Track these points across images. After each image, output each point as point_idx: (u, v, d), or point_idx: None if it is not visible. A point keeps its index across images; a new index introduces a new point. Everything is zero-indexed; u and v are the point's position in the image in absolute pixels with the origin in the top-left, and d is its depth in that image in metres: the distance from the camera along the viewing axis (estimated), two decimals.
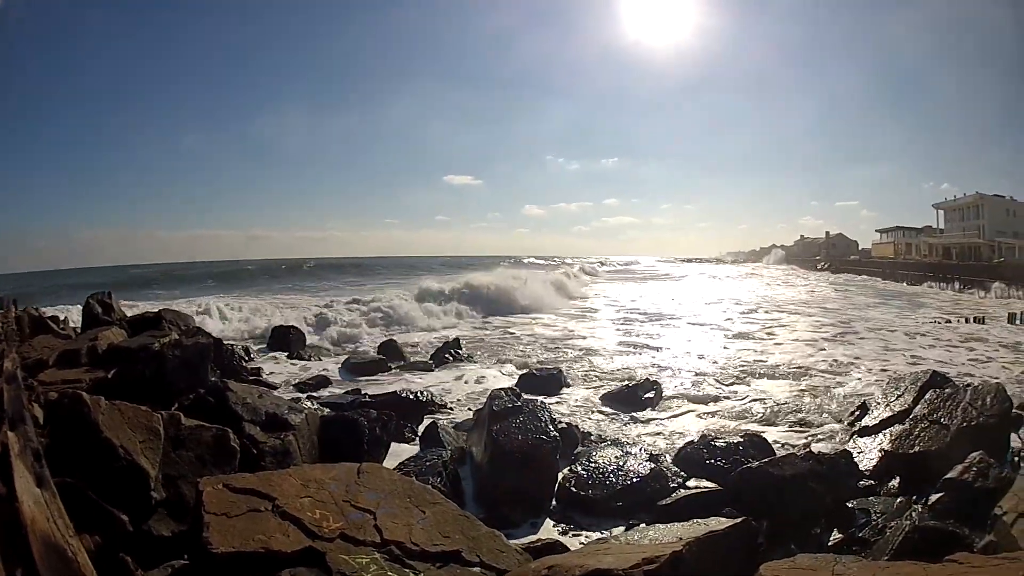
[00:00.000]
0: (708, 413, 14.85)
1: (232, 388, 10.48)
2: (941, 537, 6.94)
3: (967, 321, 31.71)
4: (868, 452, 10.66)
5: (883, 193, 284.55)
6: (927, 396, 10.97)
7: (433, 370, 20.08)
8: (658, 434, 13.24)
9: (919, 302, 48.18)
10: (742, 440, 10.94)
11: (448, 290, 41.05)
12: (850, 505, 9.02)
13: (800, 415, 14.39)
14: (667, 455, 10.90)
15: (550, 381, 17.22)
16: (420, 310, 34.82)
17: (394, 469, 8.74)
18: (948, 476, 7.95)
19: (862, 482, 9.82)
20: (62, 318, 20.99)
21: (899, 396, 12.06)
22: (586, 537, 8.68)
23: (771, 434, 12.40)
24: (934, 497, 7.77)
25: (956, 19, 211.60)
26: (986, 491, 7.51)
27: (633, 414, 14.66)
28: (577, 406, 15.54)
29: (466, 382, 18.59)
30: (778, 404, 15.43)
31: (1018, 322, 30.99)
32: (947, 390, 10.87)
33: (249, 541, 5.68)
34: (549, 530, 9.07)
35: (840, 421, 13.51)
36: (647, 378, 16.97)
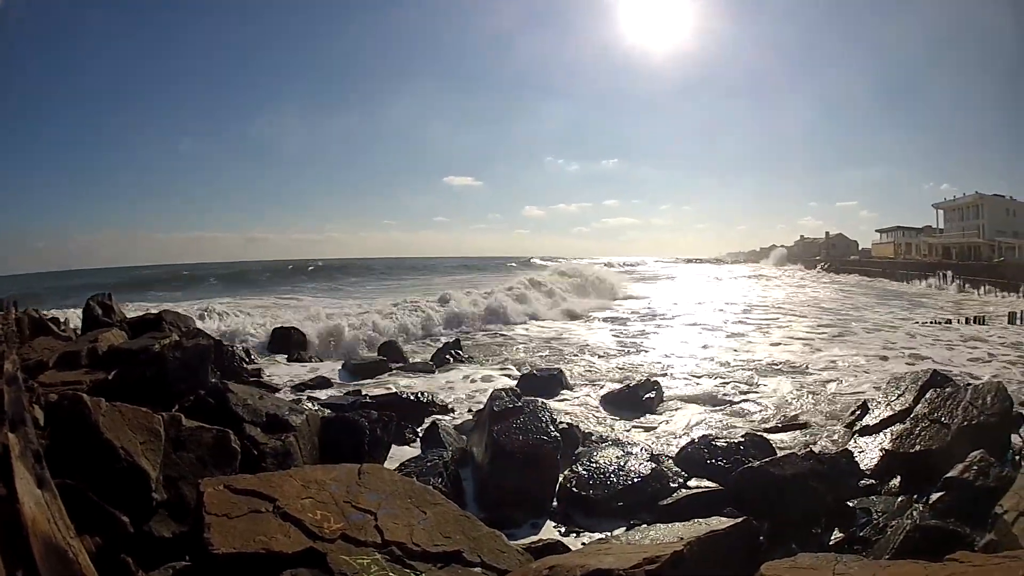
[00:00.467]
0: (709, 413, 14.84)
1: (233, 389, 10.48)
2: (942, 536, 6.95)
3: (967, 321, 31.66)
4: (869, 451, 10.66)
5: (883, 193, 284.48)
6: (928, 395, 10.97)
7: (434, 371, 20.04)
8: (659, 434, 13.26)
9: (919, 302, 48.23)
10: (743, 440, 10.96)
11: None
12: (851, 504, 9.02)
13: (801, 414, 14.41)
14: (668, 455, 10.88)
15: (550, 382, 17.19)
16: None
17: (395, 470, 8.74)
18: (949, 475, 7.96)
19: (863, 481, 9.82)
20: (62, 320, 21.00)
21: (900, 395, 12.05)
22: (587, 537, 8.67)
23: (772, 434, 12.39)
24: (935, 496, 7.78)
25: (955, 20, 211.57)
26: (987, 490, 7.51)
27: (634, 414, 14.66)
28: (578, 406, 15.52)
29: (470, 382, 18.58)
30: (779, 403, 15.48)
31: (1018, 322, 30.96)
32: (948, 389, 10.88)
33: (250, 542, 5.69)
34: (550, 530, 9.07)
35: (841, 420, 13.49)
36: (648, 378, 16.96)
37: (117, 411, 7.98)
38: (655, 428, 13.75)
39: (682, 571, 5.33)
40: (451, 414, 14.82)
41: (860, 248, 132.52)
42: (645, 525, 8.07)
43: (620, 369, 20.28)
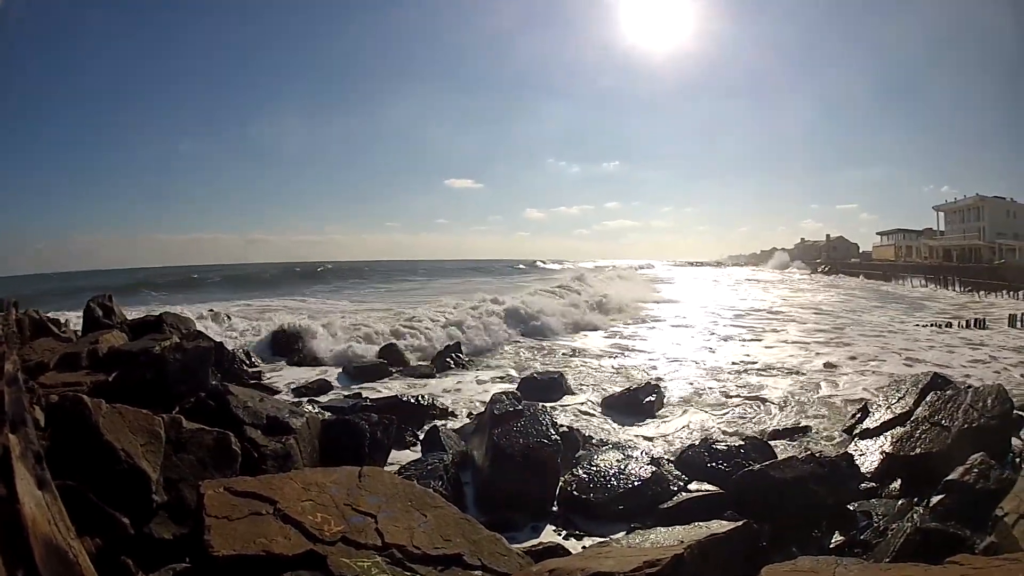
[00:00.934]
0: (709, 416, 14.84)
1: (233, 392, 10.47)
2: (943, 539, 6.95)
3: (968, 325, 31.64)
4: (869, 454, 10.68)
5: (883, 195, 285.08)
6: (928, 398, 10.99)
7: (435, 375, 20.05)
8: (659, 437, 13.25)
9: (920, 304, 48.29)
10: (743, 443, 10.95)
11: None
12: (851, 507, 9.04)
13: (801, 418, 14.40)
14: (668, 458, 10.87)
15: (551, 385, 17.14)
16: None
17: (395, 473, 8.77)
18: (949, 478, 7.96)
19: (863, 484, 9.83)
20: (63, 321, 20.99)
21: (900, 398, 12.08)
22: (588, 540, 8.64)
23: (772, 437, 12.39)
24: (935, 499, 7.78)
25: (955, 21, 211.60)
26: (987, 492, 7.51)
27: (635, 418, 14.67)
28: (578, 410, 15.51)
29: (470, 386, 18.60)
30: (779, 407, 15.45)
31: (1019, 325, 30.95)
32: (948, 392, 10.90)
33: (250, 544, 5.69)
34: (550, 534, 9.05)
35: (841, 423, 13.49)
36: (648, 381, 16.95)
37: (118, 413, 7.98)
38: (656, 431, 13.75)
39: (682, 574, 5.34)
40: (452, 417, 14.80)
41: (861, 251, 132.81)
42: (645, 528, 8.07)
43: (620, 372, 20.28)
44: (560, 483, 10.04)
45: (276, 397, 13.46)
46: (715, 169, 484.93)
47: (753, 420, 14.43)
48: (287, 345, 23.47)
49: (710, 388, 17.63)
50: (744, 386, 17.76)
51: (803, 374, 19.54)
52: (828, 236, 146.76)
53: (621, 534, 8.48)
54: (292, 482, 6.80)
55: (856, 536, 8.30)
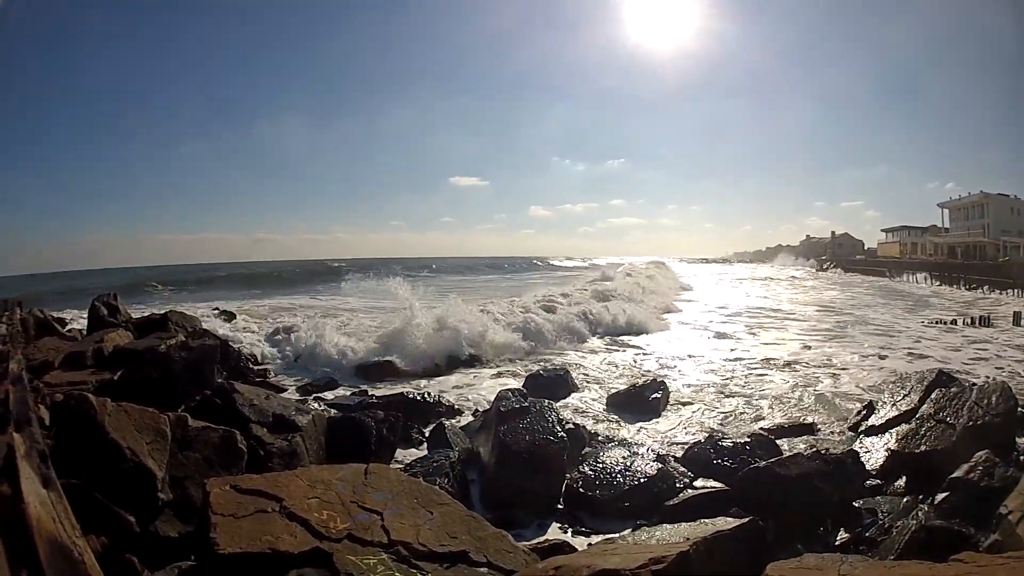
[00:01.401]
0: (715, 413, 14.83)
1: (239, 390, 10.50)
2: (947, 536, 6.93)
3: (973, 322, 31.57)
4: (875, 451, 10.68)
5: (888, 193, 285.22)
6: (933, 395, 10.95)
7: (441, 372, 20.07)
8: (665, 434, 13.25)
9: (925, 302, 48.23)
10: (749, 440, 10.91)
11: None
12: (857, 505, 9.01)
13: (807, 415, 14.37)
14: (674, 455, 10.85)
15: (557, 382, 17.14)
16: None
17: (401, 470, 8.75)
18: (954, 475, 7.93)
19: (869, 482, 9.82)
20: (68, 320, 21.02)
21: (905, 395, 12.07)
22: (593, 537, 8.63)
23: (778, 434, 12.36)
24: (940, 496, 7.75)
25: (958, 19, 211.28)
26: (991, 490, 7.49)
27: (640, 415, 14.66)
28: (584, 407, 15.53)
29: (476, 383, 18.66)
30: (785, 404, 15.43)
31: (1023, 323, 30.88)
32: (953, 389, 10.84)
33: (256, 542, 5.70)
34: (556, 531, 9.06)
35: (847, 421, 13.48)
36: (654, 378, 16.93)
37: (123, 411, 7.99)
38: (661, 428, 13.75)
39: (688, 571, 5.33)
40: (457, 415, 14.77)
41: (866, 248, 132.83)
42: (651, 525, 8.07)
43: (627, 370, 20.28)
44: (566, 480, 10.04)
45: (282, 395, 13.44)
46: (720, 167, 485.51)
47: (758, 417, 14.40)
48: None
49: (716, 385, 17.63)
50: (750, 383, 17.75)
51: (807, 370, 19.52)
52: (833, 233, 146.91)
53: (627, 531, 8.50)
54: (298, 480, 6.81)
55: (861, 533, 8.28)
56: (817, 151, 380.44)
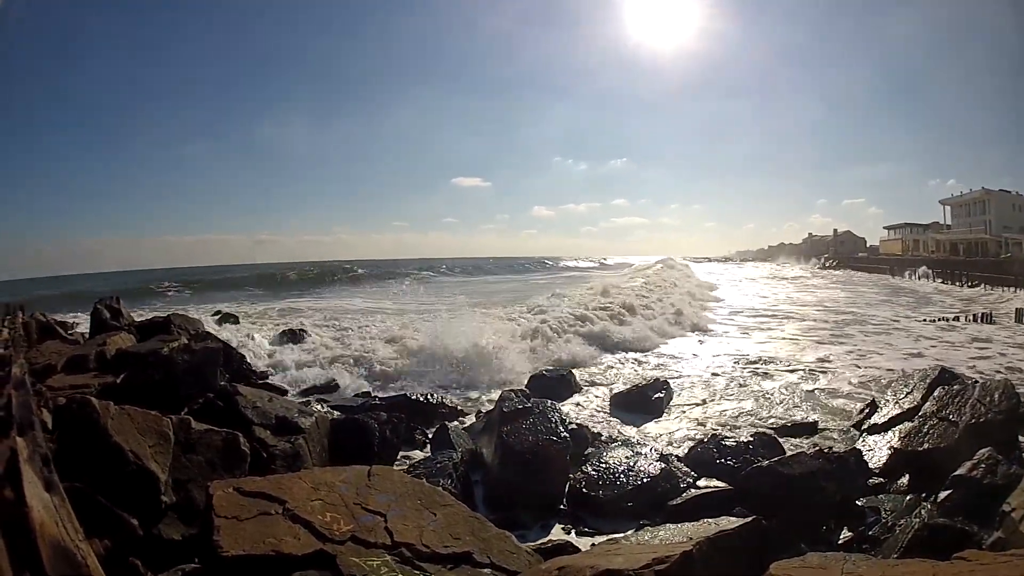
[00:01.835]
0: (718, 413, 14.82)
1: (242, 392, 10.49)
2: (950, 534, 6.93)
3: (975, 319, 31.54)
4: (878, 450, 10.67)
5: (890, 190, 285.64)
6: (936, 393, 10.95)
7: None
8: (668, 434, 13.29)
9: (927, 299, 48.24)
10: (752, 439, 10.92)
11: None
12: (860, 503, 9.02)
13: (810, 413, 14.39)
14: (677, 455, 10.85)
15: (560, 383, 17.16)
16: None
17: (405, 471, 8.75)
18: (957, 473, 7.95)
19: (872, 480, 9.82)
20: (70, 324, 21.02)
21: (908, 393, 12.08)
22: (597, 538, 8.61)
23: (781, 433, 12.35)
24: (943, 494, 7.76)
25: (960, 17, 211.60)
26: (994, 488, 7.50)
27: (643, 415, 14.69)
28: (587, 407, 15.57)
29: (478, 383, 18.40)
30: (788, 403, 15.46)
31: None
32: (955, 387, 10.85)
33: (259, 544, 5.71)
34: (559, 531, 9.06)
35: (850, 419, 13.48)
36: (657, 378, 16.92)
37: (126, 414, 7.99)
38: (664, 428, 13.78)
39: (691, 571, 5.34)
40: (461, 416, 14.76)
41: (868, 245, 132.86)
42: (655, 525, 8.07)
43: (630, 370, 20.27)
44: (569, 480, 10.07)
45: (285, 397, 13.43)
46: (722, 166, 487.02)
47: (761, 416, 14.39)
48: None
49: (718, 384, 17.63)
50: (752, 382, 17.76)
51: (811, 369, 19.57)
52: (836, 231, 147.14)
53: (630, 531, 8.49)
54: (301, 482, 6.82)
55: (864, 532, 8.27)
56: (819, 149, 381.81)
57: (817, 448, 10.53)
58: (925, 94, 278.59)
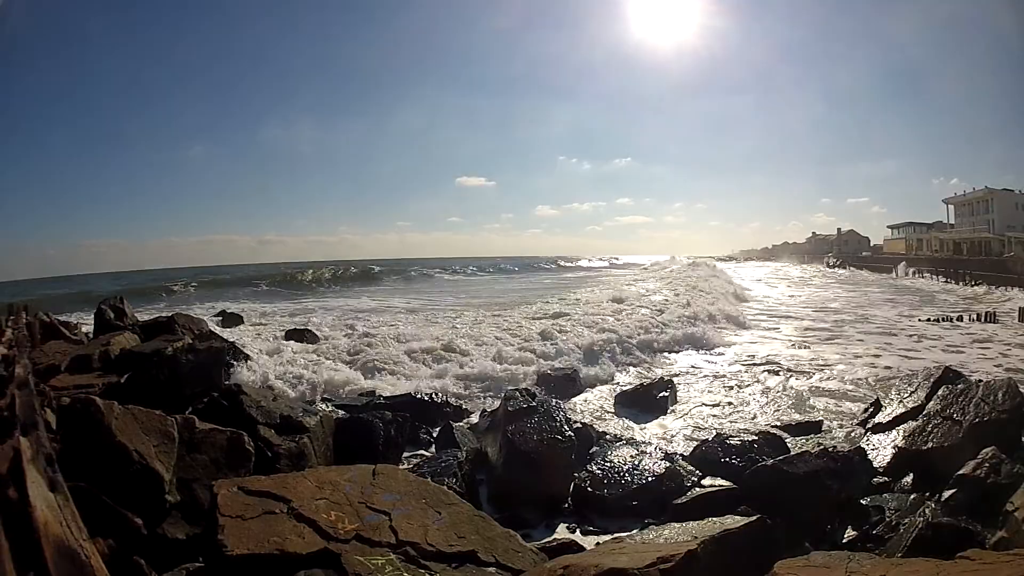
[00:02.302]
0: (723, 412, 14.87)
1: (246, 391, 10.50)
2: (954, 533, 6.92)
3: (978, 318, 31.49)
4: (882, 449, 10.64)
5: (894, 189, 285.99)
6: (940, 392, 10.92)
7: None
8: (673, 433, 13.31)
9: (931, 298, 48.18)
10: (757, 438, 10.90)
11: None
12: (864, 502, 9.00)
13: (815, 412, 14.40)
14: (682, 454, 10.85)
15: (565, 381, 17.25)
16: None
17: (409, 470, 8.76)
18: (961, 472, 7.95)
19: (876, 479, 9.80)
20: (74, 324, 21.02)
21: (912, 392, 12.04)
22: (602, 537, 8.61)
23: (785, 432, 12.34)
24: (947, 493, 7.76)
25: (963, 15, 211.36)
26: (998, 487, 7.50)
27: (648, 413, 14.72)
28: (592, 406, 15.54)
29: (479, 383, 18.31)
30: (793, 402, 15.47)
31: None
32: (959, 386, 10.83)
33: (264, 543, 5.72)
34: (564, 530, 9.11)
35: (854, 418, 13.47)
36: (661, 377, 16.97)
37: (130, 414, 8.00)
38: (669, 427, 13.82)
39: (696, 570, 5.33)
40: (466, 415, 14.77)
41: (872, 244, 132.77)
42: (659, 524, 8.06)
43: (635, 369, 20.23)
44: (574, 479, 10.07)
45: (289, 396, 13.43)
46: (726, 164, 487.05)
47: (766, 415, 14.40)
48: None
49: (723, 383, 17.62)
50: (758, 381, 17.76)
51: (815, 368, 19.58)
52: (839, 230, 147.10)
53: (635, 530, 8.48)
54: (306, 481, 6.83)
55: (868, 531, 8.27)
56: (823, 147, 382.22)
57: (821, 447, 10.48)
58: (929, 92, 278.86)
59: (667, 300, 35.87)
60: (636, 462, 10.18)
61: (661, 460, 10.29)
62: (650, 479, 9.75)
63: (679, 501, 9.17)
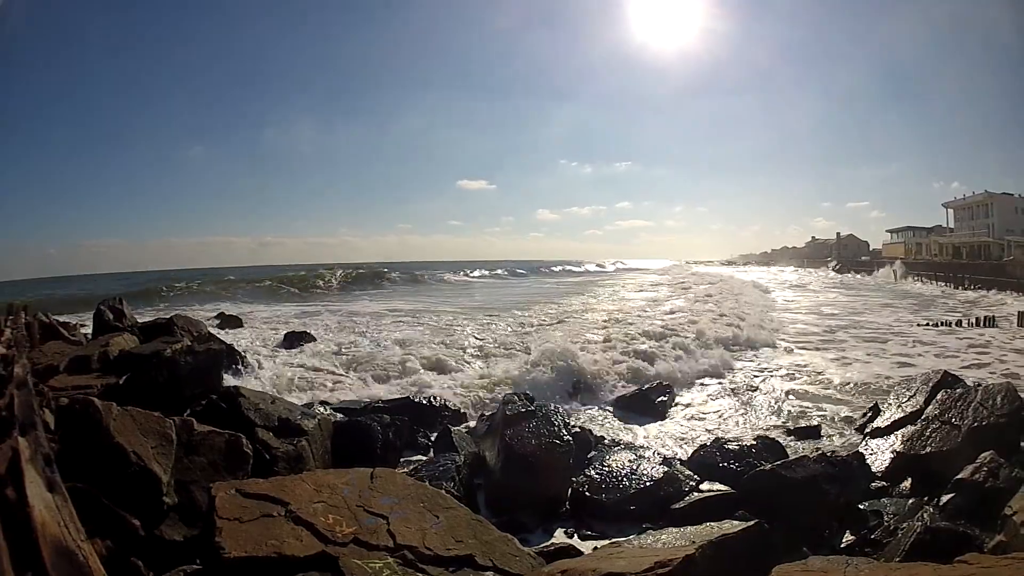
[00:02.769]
0: (721, 416, 14.88)
1: (244, 394, 10.50)
2: (952, 538, 6.94)
3: (977, 322, 31.48)
4: (880, 453, 10.67)
5: (893, 193, 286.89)
6: (938, 396, 10.96)
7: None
8: (671, 437, 13.30)
9: (930, 303, 48.17)
10: (755, 443, 10.94)
11: None
12: (862, 507, 9.03)
13: (813, 417, 14.40)
14: (680, 458, 10.91)
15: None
16: None
17: (407, 474, 8.75)
18: (959, 477, 7.97)
19: (874, 484, 9.83)
20: (73, 324, 21.00)
21: (911, 397, 12.05)
22: (599, 541, 8.61)
23: (784, 436, 12.36)
24: (945, 498, 7.78)
25: (963, 18, 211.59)
26: (996, 491, 7.51)
27: (646, 418, 14.76)
28: (590, 410, 15.53)
29: (482, 386, 18.28)
30: (791, 406, 15.48)
31: None
32: (958, 390, 10.85)
33: (262, 546, 5.71)
34: (562, 534, 9.12)
35: (852, 423, 13.48)
36: (660, 382, 16.95)
37: (128, 415, 8.00)
38: (667, 432, 13.81)
39: (694, 574, 5.33)
40: (464, 419, 14.76)
41: (871, 248, 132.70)
42: (657, 529, 8.06)
43: (634, 372, 20.17)
44: (572, 484, 10.08)
45: (288, 398, 13.42)
46: (726, 168, 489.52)
47: (764, 420, 14.42)
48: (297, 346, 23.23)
49: (721, 387, 17.62)
50: (756, 386, 17.74)
51: (814, 373, 19.58)
52: (839, 234, 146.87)
53: (633, 535, 8.47)
54: (304, 484, 6.83)
55: (867, 535, 8.29)
56: (823, 151, 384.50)
57: (820, 452, 10.51)
58: (929, 95, 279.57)
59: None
60: (634, 466, 10.17)
61: (659, 465, 10.29)
62: (648, 483, 9.73)
63: (677, 506, 9.18)
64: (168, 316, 21.34)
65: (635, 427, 14.08)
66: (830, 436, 12.86)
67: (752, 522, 6.81)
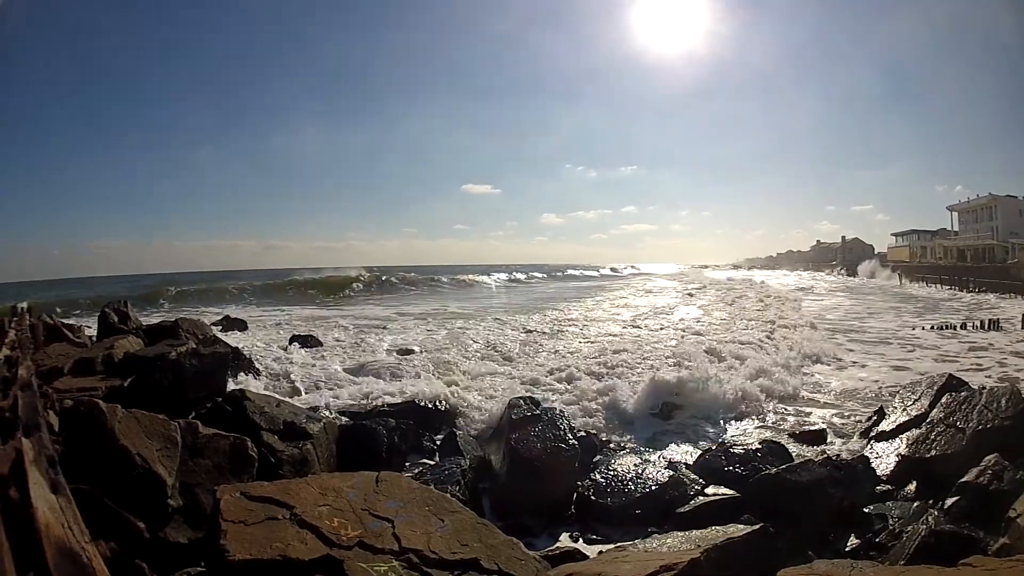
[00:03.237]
0: (726, 420, 14.86)
1: (250, 397, 10.50)
2: (957, 541, 6.91)
3: (981, 325, 31.44)
4: (885, 457, 10.65)
5: (897, 196, 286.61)
6: (943, 400, 10.95)
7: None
8: (676, 441, 13.22)
9: (936, 306, 48.13)
10: (760, 446, 10.87)
11: None
12: (867, 510, 9.00)
13: (818, 421, 14.40)
14: (685, 462, 10.85)
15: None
16: None
17: (413, 478, 8.77)
18: (963, 480, 7.95)
19: (879, 487, 9.81)
20: (78, 327, 21.00)
21: (916, 400, 12.05)
22: (604, 545, 8.60)
23: (789, 440, 12.32)
24: (950, 501, 7.75)
25: (967, 20, 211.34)
26: (1001, 494, 7.50)
27: (652, 422, 14.72)
28: (596, 414, 15.40)
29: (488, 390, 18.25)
30: (797, 410, 15.51)
31: None
32: (963, 393, 10.84)
33: (266, 549, 5.71)
34: (567, 539, 9.12)
35: (857, 426, 13.46)
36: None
37: (133, 418, 8.00)
38: (673, 435, 13.78)
39: None
40: (469, 422, 14.70)
41: (876, 252, 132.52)
42: (662, 533, 8.05)
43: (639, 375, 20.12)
44: (577, 488, 10.07)
45: (293, 402, 13.42)
46: (731, 172, 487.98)
47: (770, 423, 14.42)
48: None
49: (726, 390, 17.55)
50: (761, 388, 17.60)
51: (818, 376, 19.64)
52: (843, 238, 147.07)
53: (638, 539, 8.46)
54: (309, 487, 6.83)
55: (872, 539, 8.26)
56: (828, 155, 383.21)
57: (825, 455, 10.50)
58: (933, 98, 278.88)
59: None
60: (639, 470, 10.15)
61: (664, 468, 10.26)
62: (653, 487, 9.71)
63: (682, 509, 9.15)
64: (173, 319, 21.33)
65: (640, 431, 14.19)
66: (835, 440, 12.82)
67: (757, 526, 6.84)
